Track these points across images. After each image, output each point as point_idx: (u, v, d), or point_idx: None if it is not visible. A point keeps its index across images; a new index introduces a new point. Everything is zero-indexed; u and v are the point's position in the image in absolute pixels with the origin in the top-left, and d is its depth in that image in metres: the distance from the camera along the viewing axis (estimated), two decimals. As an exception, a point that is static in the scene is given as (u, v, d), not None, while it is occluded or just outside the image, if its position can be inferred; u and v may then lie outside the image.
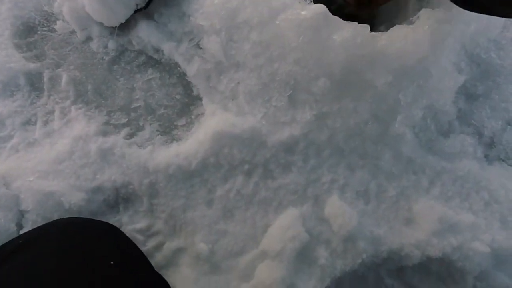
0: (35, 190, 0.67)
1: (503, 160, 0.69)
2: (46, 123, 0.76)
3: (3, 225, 0.66)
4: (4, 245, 0.52)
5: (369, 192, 0.64)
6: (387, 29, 0.65)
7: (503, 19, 0.68)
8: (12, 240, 0.53)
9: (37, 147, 0.74)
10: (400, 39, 0.59)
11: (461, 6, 0.44)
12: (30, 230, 0.56)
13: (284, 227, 0.61)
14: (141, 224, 0.68)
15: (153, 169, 0.67)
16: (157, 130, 0.74)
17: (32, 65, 0.79)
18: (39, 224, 0.62)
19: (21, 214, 0.68)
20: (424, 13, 0.62)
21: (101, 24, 0.80)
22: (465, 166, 0.65)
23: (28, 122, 0.77)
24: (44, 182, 0.68)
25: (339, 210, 0.61)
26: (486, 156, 0.69)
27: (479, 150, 0.67)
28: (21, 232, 0.67)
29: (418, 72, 0.61)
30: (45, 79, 0.79)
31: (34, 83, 0.79)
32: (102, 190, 0.69)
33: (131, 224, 0.68)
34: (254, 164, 0.65)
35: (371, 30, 0.60)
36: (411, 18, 0.64)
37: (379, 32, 0.62)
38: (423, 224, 0.60)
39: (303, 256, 0.60)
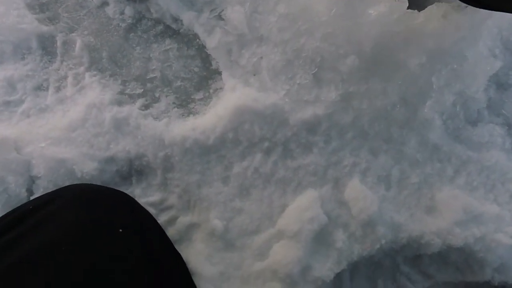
0: (47, 157, 0.65)
1: (530, 153, 0.66)
2: (58, 89, 0.73)
3: (14, 190, 0.64)
4: (15, 209, 0.51)
5: (391, 178, 0.62)
6: (424, 7, 0.61)
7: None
8: (23, 204, 0.52)
9: (49, 113, 0.71)
10: (438, 18, 0.56)
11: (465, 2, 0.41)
12: (42, 195, 0.54)
13: (302, 208, 0.60)
14: (154, 197, 0.66)
15: (168, 142, 0.65)
16: (174, 103, 0.71)
17: (45, 28, 0.76)
18: (50, 190, 0.60)
19: (32, 180, 0.67)
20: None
21: (118, -12, 0.76)
22: (492, 156, 0.62)
23: (40, 87, 0.74)
24: (57, 149, 0.66)
25: (359, 194, 0.60)
26: (513, 148, 0.66)
27: (508, 141, 0.65)
28: (32, 198, 0.65)
29: (453, 55, 0.58)
30: (58, 43, 0.75)
31: (47, 46, 0.76)
32: (115, 160, 0.67)
33: (144, 197, 0.66)
34: (274, 142, 0.63)
35: (408, 8, 0.57)
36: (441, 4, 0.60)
37: (415, 11, 0.59)
38: (445, 213, 0.59)
39: (320, 238, 0.58)
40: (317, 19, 0.60)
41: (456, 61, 0.58)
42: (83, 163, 0.65)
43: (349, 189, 0.61)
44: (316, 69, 0.63)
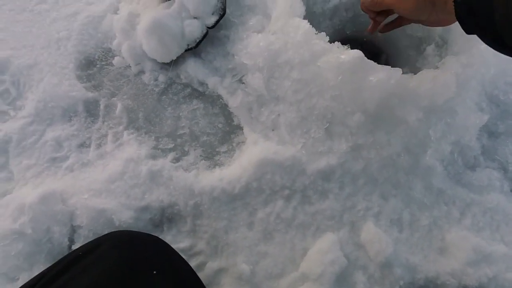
0: (90, 207, 0.72)
1: (528, 195, 0.72)
2: (99, 146, 0.83)
3: (58, 239, 0.70)
4: (66, 255, 0.57)
5: (403, 221, 0.68)
6: (412, 72, 0.73)
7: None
8: (73, 251, 0.58)
9: (90, 167, 0.80)
10: (428, 81, 0.66)
11: (492, 47, 0.46)
12: (89, 241, 0.59)
13: (323, 251, 0.64)
14: (184, 243, 0.72)
15: (198, 192, 0.72)
16: (201, 155, 0.80)
17: (90, 94, 0.89)
18: (90, 239, 0.66)
19: (74, 229, 0.73)
20: (448, 59, 0.69)
21: (154, 60, 0.90)
22: (493, 199, 0.68)
23: (83, 145, 0.84)
24: (98, 200, 0.74)
25: (374, 237, 0.65)
26: (512, 190, 0.72)
27: (505, 184, 0.71)
28: (73, 247, 0.71)
29: (445, 111, 0.67)
30: (101, 107, 0.87)
31: (91, 109, 0.88)
32: (149, 209, 0.74)
33: (174, 243, 0.72)
34: (293, 190, 0.70)
35: (403, 73, 0.68)
36: (436, 64, 0.71)
37: (409, 74, 0.70)
38: (457, 253, 0.63)
39: (342, 280, 0.62)
40: (326, 83, 0.71)
41: (449, 116, 0.68)
42: (121, 212, 0.72)
43: (365, 232, 0.66)
44: (328, 124, 0.72)
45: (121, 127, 0.84)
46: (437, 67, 0.72)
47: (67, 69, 0.90)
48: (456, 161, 0.71)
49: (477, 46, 0.70)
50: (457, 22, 0.50)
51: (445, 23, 0.56)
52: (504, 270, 0.61)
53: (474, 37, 0.71)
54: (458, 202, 0.68)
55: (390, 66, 0.67)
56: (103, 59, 0.94)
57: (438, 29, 0.85)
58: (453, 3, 0.46)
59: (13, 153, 0.82)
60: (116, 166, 0.77)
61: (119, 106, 0.86)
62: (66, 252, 0.70)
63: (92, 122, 0.87)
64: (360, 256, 0.65)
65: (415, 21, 0.58)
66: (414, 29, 0.92)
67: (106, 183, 0.75)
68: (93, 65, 0.93)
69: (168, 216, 0.74)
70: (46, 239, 0.70)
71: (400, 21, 0.64)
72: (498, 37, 0.42)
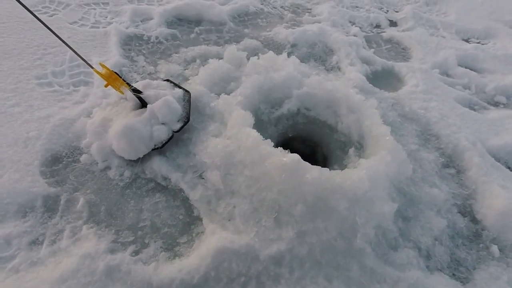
0: (34, 312, 0.68)
1: (440, 270, 0.88)
2: (53, 242, 0.82)
3: None
4: None
5: (346, 301, 0.76)
6: (340, 168, 0.93)
7: (411, 166, 1.00)
8: None
9: (40, 266, 0.78)
10: (349, 178, 0.86)
11: None
12: None
13: None
14: None
15: (156, 285, 0.74)
16: (161, 247, 0.84)
17: (52, 189, 0.91)
18: None
19: None
20: (362, 161, 0.92)
21: (121, 157, 1.00)
22: (413, 275, 0.82)
23: (35, 242, 0.82)
24: (44, 302, 0.70)
25: (323, 319, 0.71)
26: (427, 267, 0.87)
27: (421, 261, 0.87)
28: None
29: (365, 201, 0.85)
30: (62, 201, 0.90)
31: (50, 205, 0.89)
32: (102, 309, 0.71)
33: None
34: (249, 276, 0.76)
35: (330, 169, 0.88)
36: (355, 164, 0.94)
37: (336, 171, 0.90)
38: (393, 329, 0.71)
39: None
40: (272, 180, 0.86)
41: (368, 205, 0.85)
42: (70, 315, 0.69)
43: (315, 315, 0.72)
44: (276, 214, 0.85)
45: (80, 222, 0.86)
46: (355, 167, 0.94)
47: (32, 165, 0.94)
48: (381, 242, 0.87)
49: (381, 151, 0.95)
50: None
51: None
52: None
53: (380, 143, 0.97)
54: (388, 280, 0.80)
55: (320, 167, 0.86)
56: (70, 156, 1.00)
57: (355, 136, 1.13)
58: None
59: (-49, 254, 0.76)
60: (70, 263, 0.76)
61: (81, 200, 0.90)
62: None
63: (49, 217, 0.87)
64: None
65: None
66: (339, 135, 1.20)
67: (56, 283, 0.73)
68: (59, 161, 0.98)
69: (121, 315, 0.72)
70: None
71: None
72: None
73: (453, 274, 0.87)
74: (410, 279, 0.81)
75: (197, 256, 0.78)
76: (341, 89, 1.19)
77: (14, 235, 0.82)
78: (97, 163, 0.99)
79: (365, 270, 0.81)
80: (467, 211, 1.01)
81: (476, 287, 0.84)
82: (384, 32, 1.87)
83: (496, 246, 0.92)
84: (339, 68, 1.52)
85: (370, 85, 1.39)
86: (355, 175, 0.86)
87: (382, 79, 1.50)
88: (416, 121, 1.27)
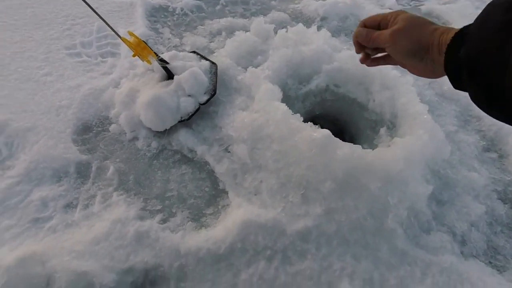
0: (70, 270, 0.71)
1: (475, 257, 0.83)
2: (86, 206, 0.85)
3: (29, 306, 0.67)
4: None
5: (374, 281, 0.74)
6: (370, 148, 0.89)
7: (449, 147, 0.94)
8: None
9: (74, 228, 0.81)
10: (382, 156, 0.82)
11: (486, 113, 0.42)
12: None
13: (303, 312, 0.67)
14: (165, 309, 0.71)
15: (184, 252, 0.75)
16: (188, 217, 0.85)
17: (84, 157, 0.94)
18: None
19: (48, 295, 0.70)
20: (396, 140, 0.87)
21: (148, 128, 1.00)
22: (447, 259, 0.78)
23: (69, 205, 0.85)
24: (79, 262, 0.73)
25: (350, 296, 0.70)
26: (462, 252, 0.83)
27: (455, 246, 0.82)
28: (45, 314, 0.67)
29: (399, 181, 0.81)
30: (93, 168, 0.92)
31: (82, 171, 0.92)
32: (132, 271, 0.74)
33: (155, 308, 0.70)
34: (275, 250, 0.75)
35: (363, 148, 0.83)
36: (388, 143, 0.89)
37: (368, 150, 0.85)
38: (423, 311, 0.69)
39: None
40: (301, 155, 0.84)
41: (402, 185, 0.81)
42: (103, 275, 0.72)
43: (341, 292, 0.71)
44: (304, 190, 0.82)
45: (110, 188, 0.88)
46: (389, 146, 0.89)
47: (64, 133, 0.96)
48: (413, 224, 0.83)
49: (417, 131, 0.89)
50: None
51: (431, 74, 0.51)
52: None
53: (417, 122, 0.90)
54: (419, 263, 0.77)
55: (352, 143, 0.82)
56: (100, 126, 1.02)
57: (388, 115, 1.07)
58: (444, 57, 0.44)
59: (-6, 213, 0.81)
60: (102, 227, 0.79)
61: (111, 168, 0.92)
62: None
63: (82, 183, 0.90)
64: (338, 316, 0.68)
65: (402, 64, 0.55)
66: (370, 114, 1.14)
67: (90, 244, 0.76)
68: (89, 130, 1.00)
69: (151, 278, 0.74)
70: (16, 306, 0.66)
71: (388, 60, 0.59)
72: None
73: (490, 262, 0.82)
74: (443, 263, 0.77)
75: (224, 227, 0.78)
76: (376, 64, 1.11)
77: (50, 198, 0.85)
78: (126, 133, 1.00)
79: (395, 251, 0.78)
80: (508, 198, 0.94)
81: (514, 276, 0.79)
82: (422, 5, 1.73)
83: (539, 235, 0.86)
84: (372, 43, 1.42)
85: (407, 61, 1.29)
86: (389, 154, 0.82)
87: (419, 55, 1.40)
88: (456, 101, 1.18)
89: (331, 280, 0.73)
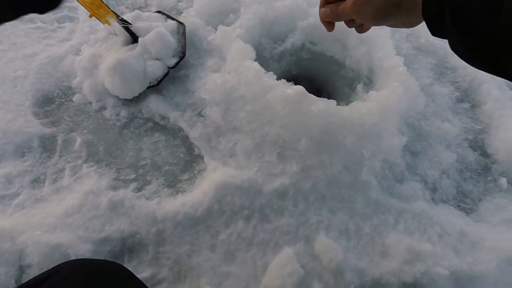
0: (42, 244, 0.69)
1: (445, 202, 0.87)
2: (55, 180, 0.82)
3: (3, 282, 0.65)
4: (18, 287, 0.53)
5: (349, 231, 0.76)
6: (346, 104, 0.88)
7: (424, 100, 0.94)
8: (23, 284, 0.54)
9: (44, 203, 0.78)
10: (357, 111, 0.81)
11: (467, 61, 0.41)
12: (41, 273, 0.55)
13: (281, 264, 0.69)
14: (146, 273, 0.71)
15: (161, 218, 0.74)
16: (163, 184, 0.83)
17: (47, 130, 0.89)
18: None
19: (22, 270, 0.68)
20: (371, 93, 0.86)
21: (116, 97, 0.95)
22: (418, 206, 0.81)
23: (37, 181, 0.82)
24: (51, 235, 0.71)
25: (326, 247, 0.72)
26: (432, 199, 0.86)
27: (427, 193, 0.85)
28: None
29: (373, 134, 0.81)
30: (59, 142, 0.87)
31: (47, 145, 0.87)
32: (109, 241, 0.73)
33: (136, 273, 0.70)
34: (252, 209, 0.76)
35: (337, 104, 0.82)
36: (363, 98, 0.88)
37: (343, 106, 0.84)
38: (395, 255, 0.72)
39: (300, 290, 0.67)
40: (275, 114, 0.82)
41: (376, 138, 0.82)
42: (78, 245, 0.70)
43: (318, 243, 0.73)
44: (280, 149, 0.81)
45: (80, 161, 0.85)
46: (364, 100, 0.88)
47: (23, 106, 0.90)
48: (387, 176, 0.84)
49: (392, 83, 0.88)
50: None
51: (410, 25, 0.50)
52: (432, 265, 0.71)
53: (392, 76, 0.89)
54: (392, 211, 0.80)
55: (326, 99, 0.80)
56: (63, 97, 0.96)
57: (365, 71, 1.05)
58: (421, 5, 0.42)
59: (-46, 193, 0.77)
60: (73, 199, 0.77)
61: (79, 140, 0.87)
62: (12, 295, 0.65)
63: (48, 157, 0.86)
64: (315, 266, 0.71)
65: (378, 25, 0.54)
66: (346, 71, 1.12)
67: (61, 217, 0.74)
68: (51, 102, 0.94)
69: (129, 246, 0.74)
70: (-11, 282, 0.65)
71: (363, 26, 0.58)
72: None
73: (458, 206, 0.86)
74: (415, 210, 0.80)
75: (200, 191, 0.78)
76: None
77: (15, 174, 0.81)
78: (91, 103, 0.94)
79: (369, 202, 0.80)
80: (478, 145, 0.97)
81: (480, 217, 0.84)
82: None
83: (505, 178, 0.90)
84: (349, -3, 1.36)
85: (383, 14, 1.25)
86: (363, 108, 0.81)
87: (397, 8, 1.35)
88: (432, 53, 1.17)
89: (308, 234, 0.75)
